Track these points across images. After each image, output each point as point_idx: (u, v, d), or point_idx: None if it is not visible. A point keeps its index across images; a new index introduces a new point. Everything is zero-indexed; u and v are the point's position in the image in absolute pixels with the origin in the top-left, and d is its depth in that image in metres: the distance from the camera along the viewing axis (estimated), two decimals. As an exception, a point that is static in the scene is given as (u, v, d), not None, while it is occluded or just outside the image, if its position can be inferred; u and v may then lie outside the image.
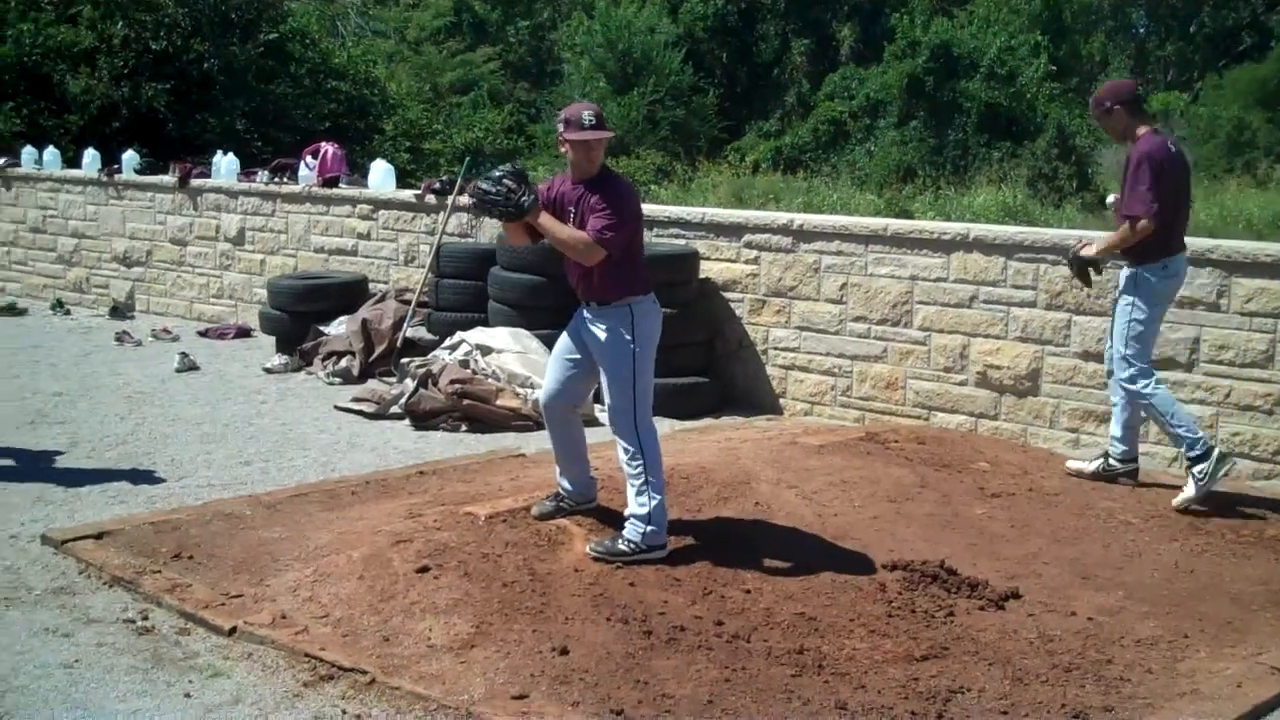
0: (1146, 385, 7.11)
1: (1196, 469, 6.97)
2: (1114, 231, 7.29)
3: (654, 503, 5.81)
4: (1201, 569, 6.07)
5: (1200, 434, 7.10)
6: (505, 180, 5.89)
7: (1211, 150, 38.32)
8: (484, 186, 5.94)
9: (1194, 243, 8.13)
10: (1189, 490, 7.00)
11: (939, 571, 5.72)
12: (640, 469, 5.86)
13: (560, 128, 5.98)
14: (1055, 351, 8.49)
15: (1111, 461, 7.46)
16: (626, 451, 5.91)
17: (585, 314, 6.03)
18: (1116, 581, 5.84)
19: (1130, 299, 7.16)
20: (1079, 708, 4.53)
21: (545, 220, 5.91)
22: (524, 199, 5.86)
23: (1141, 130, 7.24)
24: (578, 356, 6.08)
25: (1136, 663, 4.96)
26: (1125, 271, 7.25)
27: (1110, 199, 7.82)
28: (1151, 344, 7.27)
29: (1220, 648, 5.15)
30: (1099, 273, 7.52)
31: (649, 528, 5.78)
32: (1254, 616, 5.50)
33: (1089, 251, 7.35)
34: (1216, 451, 7.02)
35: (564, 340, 6.17)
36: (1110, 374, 7.39)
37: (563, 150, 6.03)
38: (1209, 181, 33.01)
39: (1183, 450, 7.12)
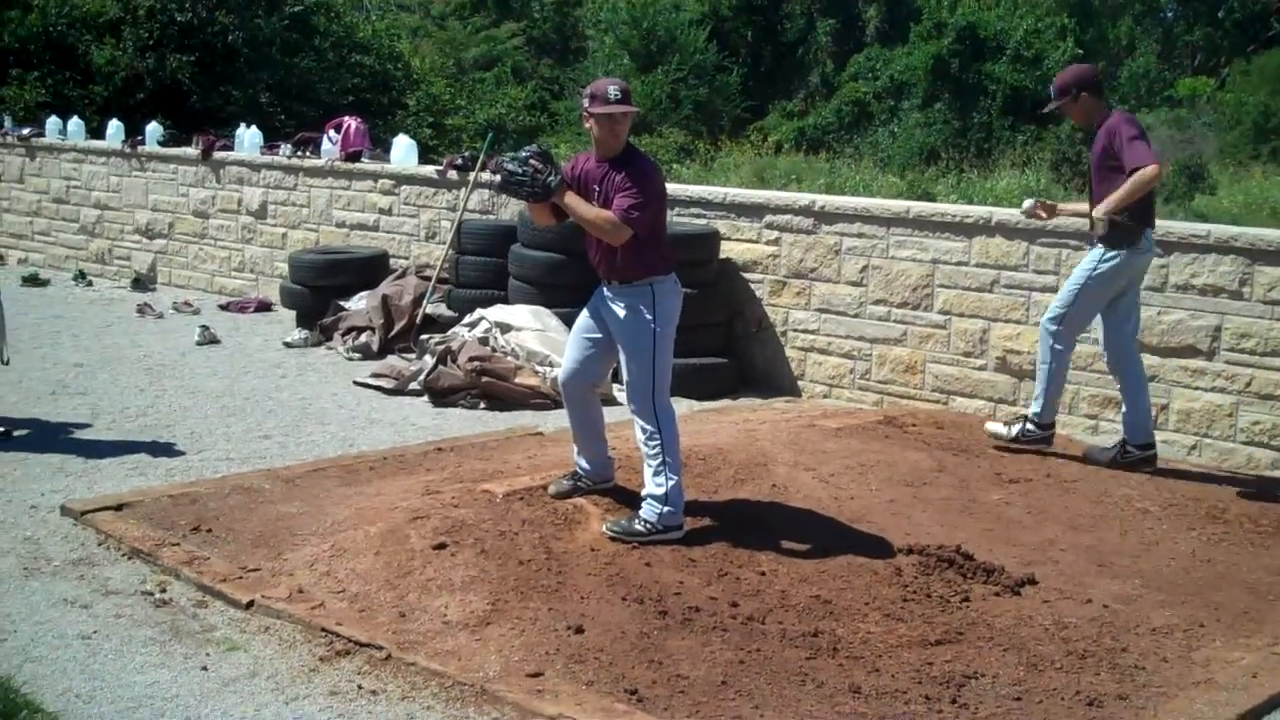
0: (1061, 348, 7.44)
1: (1029, 425, 7.56)
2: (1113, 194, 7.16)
3: (671, 483, 5.81)
4: (1219, 558, 6.05)
5: (1054, 419, 7.65)
6: (531, 160, 5.85)
7: (1238, 137, 38.06)
8: (510, 167, 5.92)
9: (1217, 230, 8.11)
10: (1007, 431, 7.64)
11: (955, 556, 5.71)
12: (658, 449, 5.85)
13: (585, 102, 5.92)
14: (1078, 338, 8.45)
15: (1129, 448, 7.45)
16: (644, 431, 5.90)
17: (606, 292, 6.01)
18: (1133, 569, 5.83)
19: (1093, 266, 7.31)
20: (1093, 695, 4.53)
21: (571, 200, 5.89)
22: (550, 179, 5.84)
23: (1109, 111, 7.46)
24: (597, 335, 6.06)
25: (1151, 651, 4.95)
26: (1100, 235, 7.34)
27: (1027, 204, 7.82)
28: (1091, 318, 7.52)
29: (1236, 637, 5.14)
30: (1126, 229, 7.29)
31: (665, 508, 5.78)
32: (1270, 606, 5.48)
33: (1101, 212, 7.15)
34: (1051, 435, 7.61)
35: (583, 318, 6.15)
36: (1109, 361, 7.56)
37: (587, 126, 5.97)
38: (1234, 168, 32.81)
39: (1034, 410, 7.56)
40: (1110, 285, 7.34)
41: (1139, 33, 51.13)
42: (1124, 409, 7.51)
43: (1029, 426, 7.59)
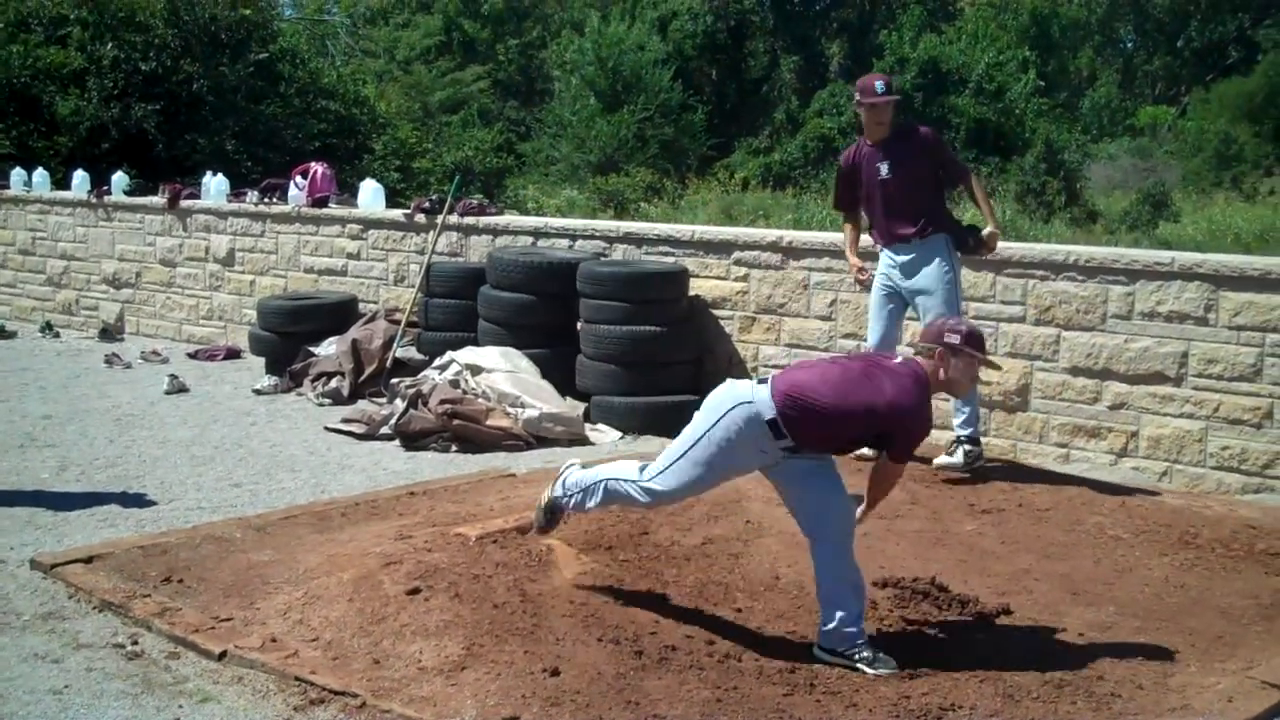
0: None
1: (968, 445, 7.79)
2: (981, 207, 7.86)
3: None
4: (1191, 583, 6.07)
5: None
6: None
7: (1199, 164, 38.50)
8: None
9: (1181, 257, 8.18)
10: (955, 459, 7.77)
11: (930, 588, 5.72)
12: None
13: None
14: (1044, 366, 8.51)
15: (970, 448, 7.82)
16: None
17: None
18: (1107, 597, 5.84)
19: (949, 267, 7.64)
20: (1070, 724, 4.53)
21: None
22: None
23: (911, 122, 8.09)
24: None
25: (1127, 678, 4.95)
26: (934, 244, 7.65)
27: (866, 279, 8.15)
28: None
29: (1211, 662, 5.15)
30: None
31: None
32: (1244, 630, 5.50)
33: (995, 228, 7.78)
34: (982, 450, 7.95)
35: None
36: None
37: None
38: (1197, 195, 33.16)
39: (968, 432, 7.81)
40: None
41: (1099, 63, 51.72)
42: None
43: (969, 448, 7.76)
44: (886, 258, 7.82)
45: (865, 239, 8.22)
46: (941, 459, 7.79)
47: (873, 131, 7.77)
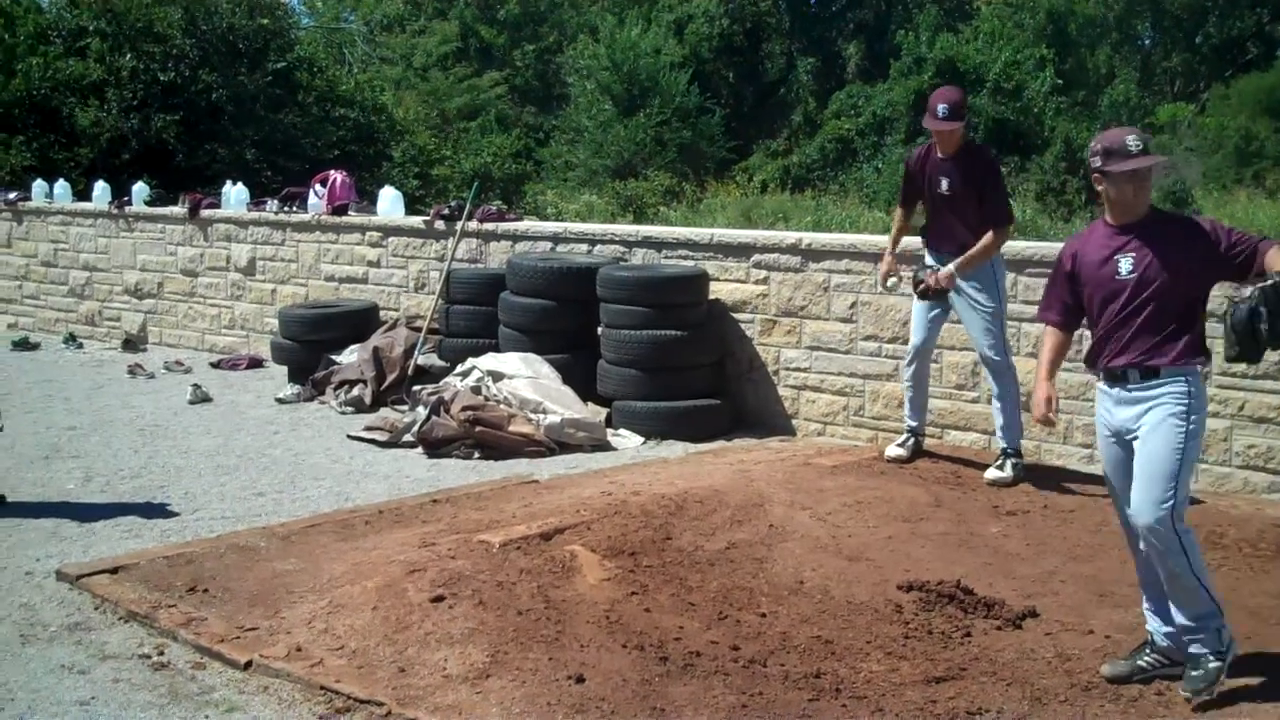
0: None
1: (1015, 460, 7.80)
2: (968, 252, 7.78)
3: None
4: (1218, 584, 5.99)
5: None
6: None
7: (1220, 161, 38.32)
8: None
9: (1204, 255, 8.13)
10: (1007, 474, 7.71)
11: (955, 591, 5.70)
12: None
13: (1097, 161, 4.91)
14: (1067, 367, 8.44)
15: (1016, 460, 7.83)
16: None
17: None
18: (1134, 598, 5.78)
19: (993, 275, 7.86)
20: (1098, 727, 4.50)
21: None
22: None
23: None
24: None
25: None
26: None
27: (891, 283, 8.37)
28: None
29: (1240, 662, 5.11)
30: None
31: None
32: (1272, 630, 5.47)
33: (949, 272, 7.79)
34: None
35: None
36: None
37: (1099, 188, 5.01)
38: (1219, 193, 33.02)
39: (1012, 444, 7.85)
40: None
41: (1118, 60, 51.49)
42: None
43: (1016, 460, 7.77)
44: (935, 262, 7.94)
45: (907, 239, 8.36)
46: (992, 473, 7.73)
47: (940, 147, 7.85)
